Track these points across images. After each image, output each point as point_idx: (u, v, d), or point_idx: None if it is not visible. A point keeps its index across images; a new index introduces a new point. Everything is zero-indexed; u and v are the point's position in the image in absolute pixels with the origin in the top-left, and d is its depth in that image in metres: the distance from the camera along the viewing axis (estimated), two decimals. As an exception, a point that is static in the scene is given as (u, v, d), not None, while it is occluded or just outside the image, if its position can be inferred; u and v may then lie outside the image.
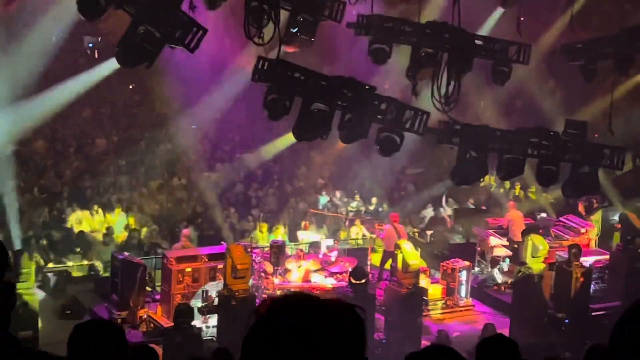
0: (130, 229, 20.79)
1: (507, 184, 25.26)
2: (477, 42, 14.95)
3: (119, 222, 21.27)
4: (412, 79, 14.42)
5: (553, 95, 26.94)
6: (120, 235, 20.56)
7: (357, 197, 24.73)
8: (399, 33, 14.53)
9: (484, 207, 24.21)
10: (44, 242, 19.81)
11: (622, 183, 23.86)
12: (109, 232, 20.42)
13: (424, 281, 17.92)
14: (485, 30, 21.46)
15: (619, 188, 23.71)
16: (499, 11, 20.39)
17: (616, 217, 22.54)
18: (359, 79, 13.05)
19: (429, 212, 24.23)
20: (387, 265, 19.10)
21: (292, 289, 17.99)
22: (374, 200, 24.78)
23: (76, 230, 20.58)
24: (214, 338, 15.19)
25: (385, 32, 14.51)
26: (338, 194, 24.92)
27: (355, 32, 14.83)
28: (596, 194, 19.84)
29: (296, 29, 13.17)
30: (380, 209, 24.34)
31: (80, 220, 21.00)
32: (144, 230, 20.88)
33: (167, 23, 10.66)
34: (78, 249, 19.89)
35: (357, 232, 22.24)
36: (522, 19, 16.95)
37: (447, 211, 24.34)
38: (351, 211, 23.81)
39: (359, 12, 14.71)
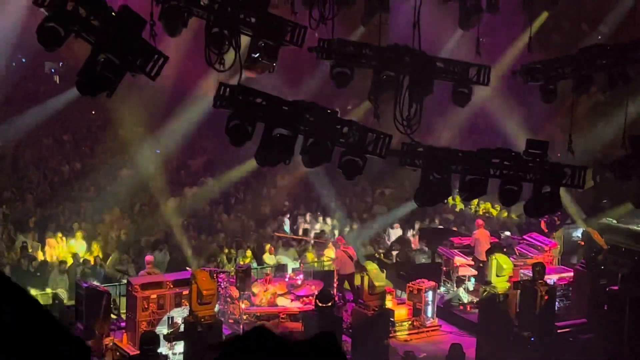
0: (94, 255, 20.58)
1: (475, 202, 25.41)
2: (438, 64, 15.04)
3: (82, 249, 21.05)
4: (374, 101, 14.50)
5: (514, 115, 27.15)
6: (84, 262, 20.32)
7: (320, 219, 24.72)
8: (360, 56, 14.59)
9: (455, 228, 24.27)
10: (6, 270, 19.53)
11: (584, 200, 24.08)
12: (74, 259, 20.20)
13: (390, 302, 17.98)
14: (445, 52, 21.64)
15: (581, 205, 23.93)
16: (459, 33, 20.58)
17: (579, 234, 22.74)
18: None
19: (395, 232, 24.26)
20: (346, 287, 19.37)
21: (259, 313, 17.96)
22: (334, 222, 24.76)
23: (39, 258, 20.34)
24: (180, 365, 15.11)
25: (346, 55, 14.57)
26: (303, 216, 24.90)
27: (317, 57, 14.87)
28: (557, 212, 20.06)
29: (258, 54, 13.16)
30: (347, 229, 24.35)
31: (43, 248, 20.77)
32: (108, 257, 20.68)
33: (128, 51, 10.61)
34: (41, 277, 19.64)
35: (327, 254, 22.21)
36: (481, 40, 17.11)
37: (415, 231, 24.41)
38: (317, 233, 23.78)
39: (320, 36, 14.75)
